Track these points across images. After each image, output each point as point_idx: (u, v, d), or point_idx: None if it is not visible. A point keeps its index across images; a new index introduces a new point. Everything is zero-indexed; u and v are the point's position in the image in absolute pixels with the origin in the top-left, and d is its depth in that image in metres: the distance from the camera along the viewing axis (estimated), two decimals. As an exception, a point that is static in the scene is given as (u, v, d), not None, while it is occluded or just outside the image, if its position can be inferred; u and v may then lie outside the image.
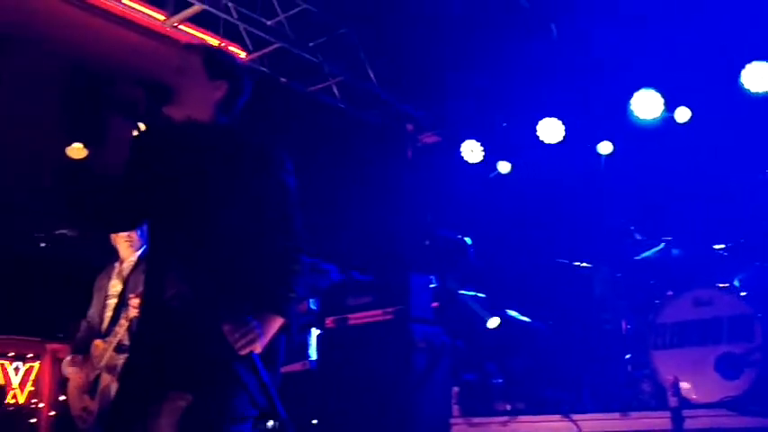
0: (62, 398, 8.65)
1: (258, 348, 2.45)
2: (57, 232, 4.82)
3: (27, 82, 9.64)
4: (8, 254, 8.24)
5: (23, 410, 8.74)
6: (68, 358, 4.67)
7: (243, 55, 9.44)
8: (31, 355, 9.04)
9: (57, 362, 9.09)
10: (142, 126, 2.56)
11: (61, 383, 8.92)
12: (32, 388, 8.97)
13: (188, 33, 9.51)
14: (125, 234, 4.62)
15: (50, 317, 8.22)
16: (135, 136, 2.51)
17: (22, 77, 9.62)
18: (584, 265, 6.37)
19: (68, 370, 4.68)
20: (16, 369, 8.94)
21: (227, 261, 2.54)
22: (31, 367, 9.03)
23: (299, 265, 2.62)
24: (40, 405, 8.93)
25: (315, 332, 6.52)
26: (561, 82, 8.44)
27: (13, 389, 8.70)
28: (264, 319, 2.52)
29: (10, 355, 8.87)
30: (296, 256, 2.63)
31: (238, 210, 2.58)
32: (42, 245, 4.76)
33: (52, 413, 8.81)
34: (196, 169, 2.60)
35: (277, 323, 2.56)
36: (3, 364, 8.88)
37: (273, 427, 2.53)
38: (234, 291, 2.52)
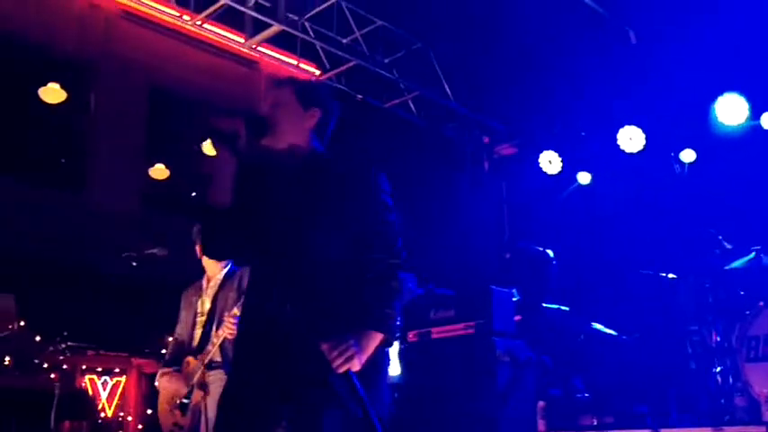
0: (149, 411, 8.90)
1: (356, 366, 2.51)
2: (147, 252, 4.93)
3: (112, 107, 9.99)
4: (96, 272, 8.50)
5: (111, 424, 8.97)
6: (161, 373, 4.71)
7: (317, 73, 9.60)
8: (117, 370, 9.27)
9: (142, 376, 9.32)
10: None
11: (148, 398, 9.16)
12: (119, 402, 9.20)
13: (265, 53, 9.72)
14: None
15: (136, 333, 8.41)
16: (236, 167, 2.62)
17: (108, 103, 9.97)
18: (670, 276, 6.22)
19: (161, 385, 4.72)
20: (104, 383, 9.20)
21: (325, 280, 2.65)
22: (118, 382, 9.27)
23: (397, 282, 2.70)
24: (128, 419, 9.16)
25: (395, 346, 6.52)
26: (641, 89, 8.30)
27: (101, 402, 8.93)
28: (363, 335, 2.59)
29: (98, 370, 9.12)
30: (394, 273, 2.71)
31: (336, 231, 2.69)
32: (134, 264, 4.88)
33: (140, 427, 9.02)
34: (292, 196, 2.74)
35: (377, 339, 2.62)
36: (92, 379, 9.15)
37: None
38: (333, 309, 2.61)
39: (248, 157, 2.67)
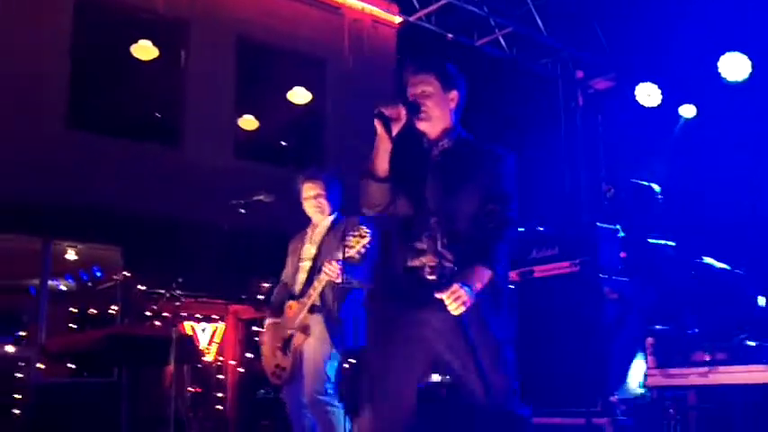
0: (248, 355, 9.16)
1: (467, 306, 2.92)
2: (254, 198, 5.00)
3: (202, 61, 10.12)
4: (194, 222, 8.73)
5: (211, 368, 9.32)
6: (268, 323, 4.83)
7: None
8: (216, 317, 9.62)
9: (239, 322, 9.61)
10: None
11: (244, 342, 9.44)
12: (218, 347, 9.55)
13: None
14: (314, 201, 4.77)
15: (233, 280, 8.60)
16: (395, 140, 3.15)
17: (198, 57, 10.10)
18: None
19: (266, 334, 4.83)
20: (203, 329, 9.56)
21: (464, 231, 3.12)
22: (217, 328, 9.62)
23: (510, 230, 3.14)
24: (230, 362, 9.49)
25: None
26: (746, 11, 7.88)
27: (200, 348, 9.26)
28: (477, 272, 3.00)
29: (197, 316, 9.48)
30: (508, 222, 3.14)
31: (468, 193, 3.17)
32: (241, 211, 4.96)
33: (241, 370, 9.32)
34: (441, 167, 3.25)
35: (487, 275, 3.03)
36: (192, 326, 9.50)
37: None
38: (466, 251, 3.06)
39: (404, 136, 3.18)
